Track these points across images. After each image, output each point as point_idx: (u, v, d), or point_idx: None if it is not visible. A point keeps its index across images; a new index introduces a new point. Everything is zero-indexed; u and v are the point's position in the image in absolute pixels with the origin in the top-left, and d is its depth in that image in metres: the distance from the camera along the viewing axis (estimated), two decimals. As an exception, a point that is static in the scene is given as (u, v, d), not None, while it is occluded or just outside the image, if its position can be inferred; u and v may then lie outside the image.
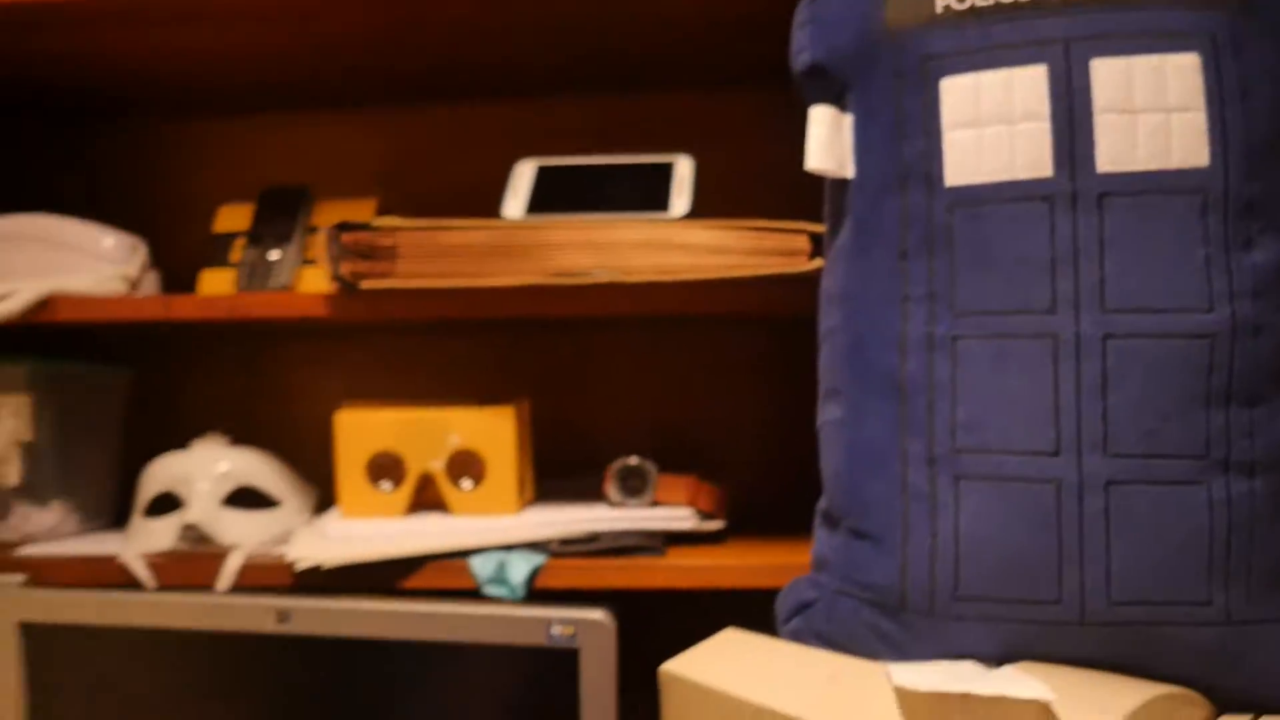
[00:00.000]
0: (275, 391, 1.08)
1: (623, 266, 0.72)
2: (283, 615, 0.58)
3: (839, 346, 0.60)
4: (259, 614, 0.58)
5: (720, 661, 0.54)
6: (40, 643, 0.62)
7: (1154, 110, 0.53)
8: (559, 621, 0.53)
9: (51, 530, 0.90)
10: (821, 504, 0.62)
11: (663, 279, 0.72)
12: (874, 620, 0.57)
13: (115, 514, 0.99)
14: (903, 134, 0.58)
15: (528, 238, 0.73)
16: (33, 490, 0.90)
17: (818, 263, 0.70)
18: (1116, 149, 0.53)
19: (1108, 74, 0.54)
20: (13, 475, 0.88)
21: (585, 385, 1.04)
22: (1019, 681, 0.45)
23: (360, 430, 0.80)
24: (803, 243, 0.71)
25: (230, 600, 0.58)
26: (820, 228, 0.71)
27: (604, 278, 0.72)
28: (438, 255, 0.74)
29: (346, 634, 0.56)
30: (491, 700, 0.55)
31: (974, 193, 0.56)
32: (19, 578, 0.64)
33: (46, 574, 0.79)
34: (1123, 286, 0.53)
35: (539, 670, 0.55)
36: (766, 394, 1.03)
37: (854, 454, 0.58)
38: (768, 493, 1.02)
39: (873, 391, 0.58)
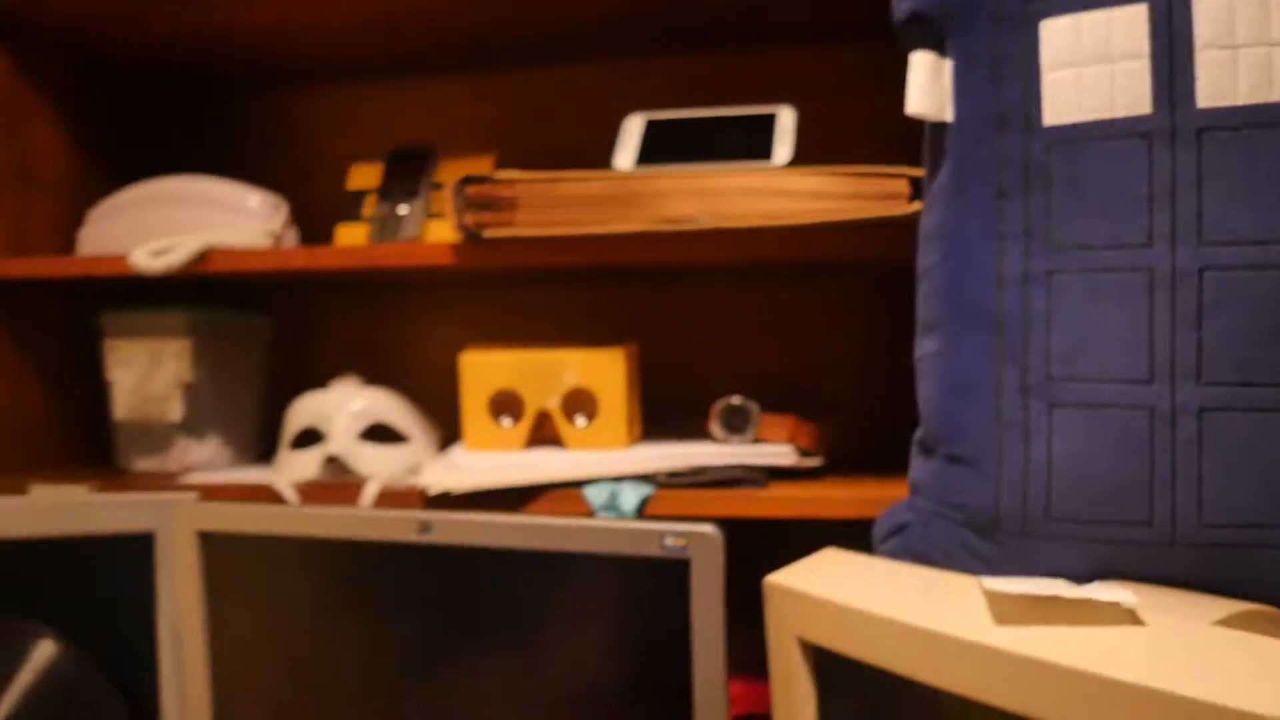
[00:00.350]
0: (401, 339, 1.16)
1: (728, 213, 0.76)
2: (424, 526, 0.64)
3: (936, 282, 0.63)
4: (403, 525, 0.65)
5: (820, 574, 0.59)
6: (215, 550, 0.70)
7: (1257, 44, 0.54)
8: (672, 534, 0.58)
9: (208, 462, 1.00)
10: (918, 434, 0.65)
11: (767, 224, 0.75)
12: (968, 540, 0.60)
13: (262, 448, 1.09)
14: (1002, 76, 0.60)
15: (638, 187, 0.78)
16: (192, 426, 1.00)
17: (917, 205, 0.73)
18: (1217, 84, 0.55)
19: (1209, 9, 0.55)
20: (175, 412, 0.99)
21: (690, 332, 1.09)
22: (1106, 588, 0.48)
23: (483, 370, 0.87)
24: (902, 186, 0.73)
25: (379, 513, 0.65)
26: (919, 172, 0.74)
27: (710, 223, 0.76)
28: (554, 205, 0.79)
29: (480, 543, 0.63)
30: (609, 606, 0.61)
31: (1072, 132, 0.58)
32: (194, 494, 0.73)
33: (209, 498, 0.89)
34: (1221, 220, 0.54)
35: (652, 579, 0.60)
36: (864, 339, 1.05)
37: (950, 383, 0.61)
38: (865, 433, 1.05)
39: (969, 324, 0.60)
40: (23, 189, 1.01)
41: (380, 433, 0.95)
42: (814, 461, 0.85)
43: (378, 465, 0.91)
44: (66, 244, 1.06)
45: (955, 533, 0.61)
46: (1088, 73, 0.58)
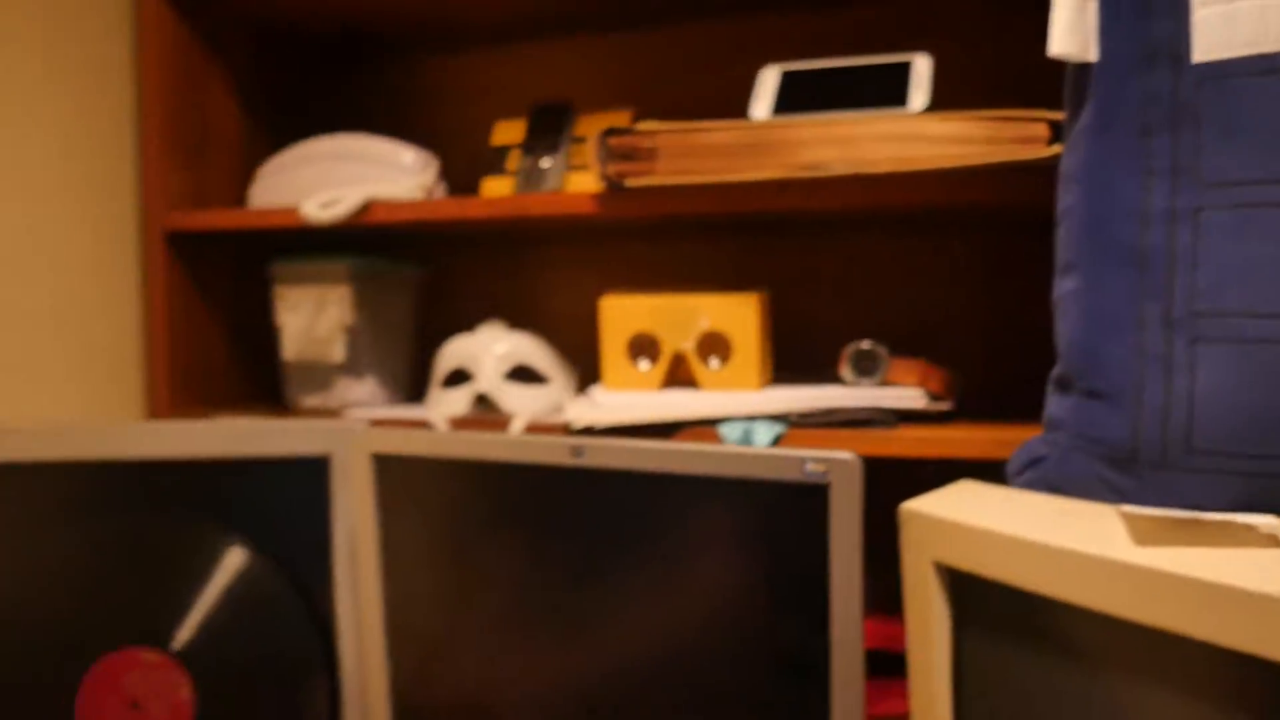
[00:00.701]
0: (541, 287, 1.22)
1: (864, 159, 0.78)
2: (576, 451, 0.69)
3: (1078, 222, 0.64)
4: (557, 450, 0.70)
5: (955, 501, 0.61)
6: (387, 470, 0.78)
7: None
8: (812, 460, 0.62)
9: (366, 399, 1.09)
10: (1054, 371, 0.67)
11: (903, 169, 0.77)
12: (1105, 473, 0.61)
13: (412, 389, 1.17)
14: (1149, 13, 0.60)
15: (774, 135, 0.80)
16: (352, 366, 1.08)
17: (1057, 148, 0.73)
18: (1382, 14, 0.54)
19: (1376, -62, 0.54)
20: (338, 353, 1.07)
21: (820, 282, 1.11)
22: (1247, 515, 0.49)
23: (622, 314, 0.91)
24: (1041, 130, 0.74)
25: (535, 438, 0.71)
26: (1058, 115, 0.74)
27: (846, 169, 0.78)
28: (693, 155, 0.83)
29: (629, 467, 0.68)
30: (750, 529, 0.65)
31: (1223, 68, 0.58)
32: (364, 422, 0.80)
33: (369, 432, 0.97)
34: (1381, 152, 0.53)
35: (793, 503, 0.63)
36: (992, 288, 1.05)
37: (1090, 320, 0.62)
38: (992, 382, 1.06)
39: (1111, 262, 0.61)
40: (202, 149, 1.11)
41: (524, 374, 1.01)
42: (944, 405, 0.87)
43: (522, 403, 0.97)
44: (239, 199, 1.15)
45: (1092, 465, 0.62)
46: (1240, 7, 0.57)
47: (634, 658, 0.70)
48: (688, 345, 0.90)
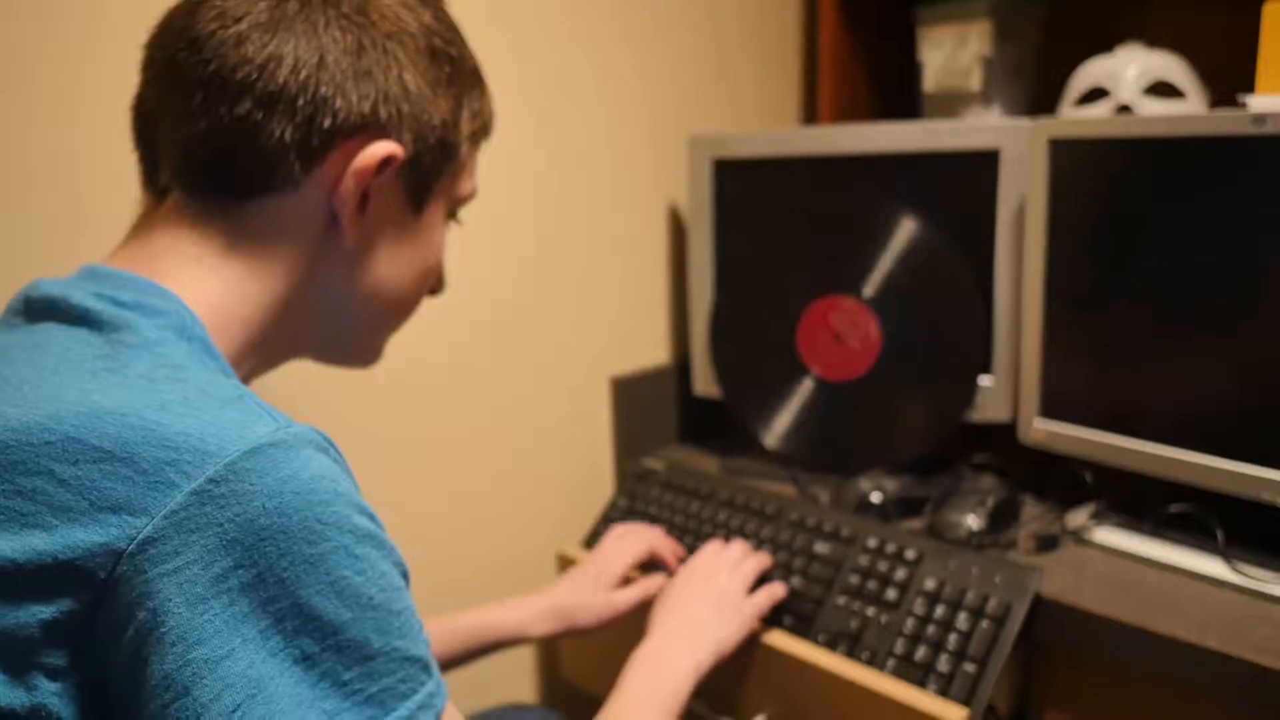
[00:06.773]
0: (1154, 23, 1.25)
1: None
2: (1258, 120, 0.80)
3: None
4: (1237, 121, 0.81)
5: None
6: (1060, 153, 0.94)
7: None
8: None
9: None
10: None
11: None
12: None
13: (1033, 109, 1.30)
14: None
15: None
16: (984, 94, 1.25)
17: None
18: None
19: None
20: (976, 83, 1.24)
21: None
22: None
23: (1286, 19, 0.95)
24: None
25: (1214, 112, 0.82)
26: None
27: None
28: None
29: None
30: None
31: None
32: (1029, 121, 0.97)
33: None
34: None
35: None
36: None
37: None
38: None
39: None
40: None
41: (1161, 89, 1.09)
42: None
43: (1160, 114, 1.06)
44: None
45: None
46: None
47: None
48: (1360, 44, 0.92)
